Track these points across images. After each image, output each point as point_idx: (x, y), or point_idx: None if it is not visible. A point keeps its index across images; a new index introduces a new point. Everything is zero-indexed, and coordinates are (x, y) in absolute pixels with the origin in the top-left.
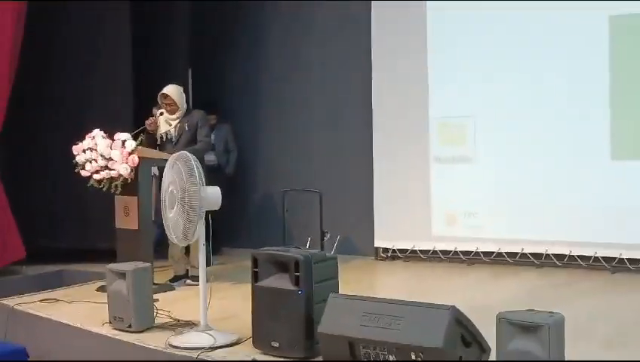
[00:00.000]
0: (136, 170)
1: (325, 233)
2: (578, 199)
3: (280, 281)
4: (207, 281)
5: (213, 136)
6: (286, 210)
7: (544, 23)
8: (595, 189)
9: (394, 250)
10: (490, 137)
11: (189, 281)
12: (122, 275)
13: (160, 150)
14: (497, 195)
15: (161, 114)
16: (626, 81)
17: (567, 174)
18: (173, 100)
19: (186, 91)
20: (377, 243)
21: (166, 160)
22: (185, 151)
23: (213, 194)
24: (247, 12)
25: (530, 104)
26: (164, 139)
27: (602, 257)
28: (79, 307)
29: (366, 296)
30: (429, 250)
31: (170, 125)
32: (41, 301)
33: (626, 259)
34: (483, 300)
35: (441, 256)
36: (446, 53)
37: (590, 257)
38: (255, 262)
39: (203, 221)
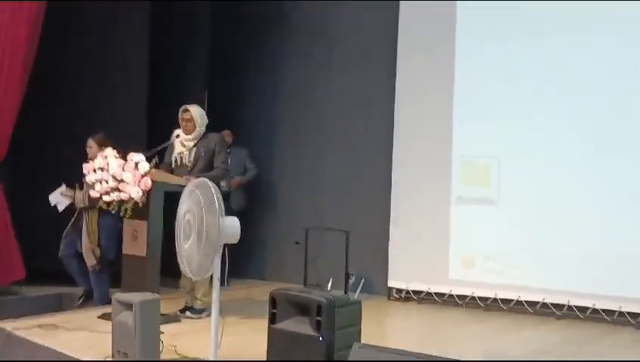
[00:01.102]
0: (148, 194)
1: (351, 275)
2: (603, 248)
3: (299, 325)
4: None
5: (230, 160)
6: (296, 242)
7: (578, 62)
8: (621, 238)
9: (408, 291)
10: (515, 180)
11: (188, 313)
12: (129, 306)
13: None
14: (519, 240)
15: (177, 136)
16: None
17: (593, 221)
18: (192, 116)
19: None
20: (391, 283)
21: (181, 185)
22: (205, 179)
23: (233, 227)
24: (266, 36)
25: (556, 147)
26: (179, 163)
27: (627, 312)
28: (79, 336)
29: (392, 347)
30: (445, 293)
31: (185, 147)
32: (39, 326)
33: None
34: (500, 353)
35: (457, 301)
36: (473, 89)
37: (615, 312)
38: (273, 303)
39: (219, 255)
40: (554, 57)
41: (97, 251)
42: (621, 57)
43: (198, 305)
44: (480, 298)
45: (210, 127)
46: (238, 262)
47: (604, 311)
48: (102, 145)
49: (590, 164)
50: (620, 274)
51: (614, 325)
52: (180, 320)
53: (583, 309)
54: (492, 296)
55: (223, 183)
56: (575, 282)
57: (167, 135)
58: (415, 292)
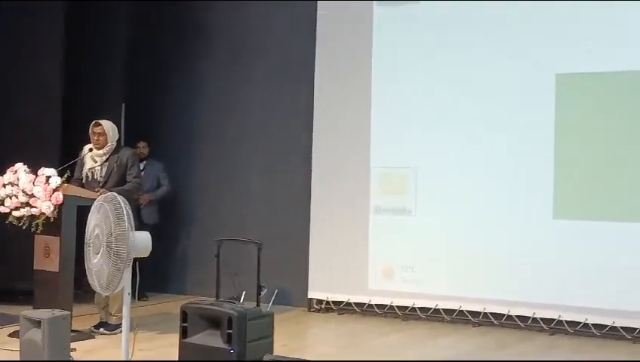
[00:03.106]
0: (60, 208)
1: (262, 287)
2: (518, 257)
3: (211, 338)
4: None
5: (143, 173)
6: (215, 255)
7: (490, 77)
8: (535, 248)
9: (328, 301)
10: (431, 190)
11: (102, 329)
12: (37, 323)
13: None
14: (436, 250)
15: (90, 150)
16: (571, 140)
17: (508, 232)
18: (103, 130)
19: (118, 126)
20: (311, 294)
21: (93, 199)
22: (114, 193)
23: (143, 240)
24: (186, 47)
25: (473, 159)
26: (90, 178)
27: (541, 318)
28: None
29: (300, 357)
30: (365, 303)
31: (96, 162)
32: None
33: (565, 321)
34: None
35: (377, 310)
36: (390, 101)
37: (529, 318)
38: (184, 316)
39: (130, 269)
40: (469, 69)
41: None
42: (532, 69)
43: (112, 320)
44: (399, 307)
45: (129, 141)
46: (158, 277)
47: (518, 317)
48: None
49: (504, 175)
50: (533, 282)
51: (529, 331)
52: (95, 337)
53: (498, 316)
54: (410, 305)
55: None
56: (490, 290)
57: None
58: (335, 302)
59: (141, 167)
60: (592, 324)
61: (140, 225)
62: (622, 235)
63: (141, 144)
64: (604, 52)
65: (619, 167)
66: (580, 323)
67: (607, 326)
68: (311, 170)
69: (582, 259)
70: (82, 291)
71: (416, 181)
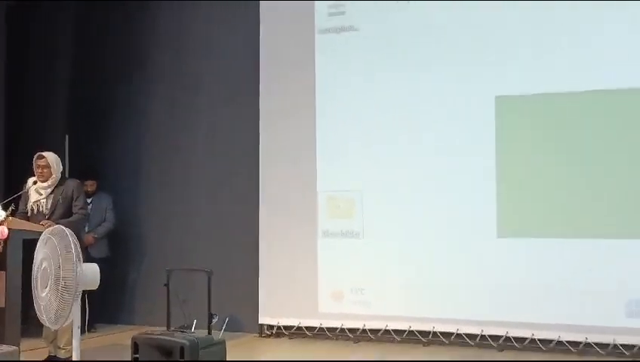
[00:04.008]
0: (5, 242)
1: (213, 315)
2: (464, 276)
3: None
4: None
5: (90, 206)
6: (164, 284)
7: (432, 100)
8: (481, 267)
9: (279, 326)
10: (377, 212)
11: None
12: None
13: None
14: (385, 271)
15: (35, 183)
16: (511, 160)
17: (454, 251)
18: (47, 162)
19: (62, 158)
20: (262, 320)
21: (39, 232)
22: (61, 226)
23: (91, 273)
24: (129, 80)
25: (417, 181)
26: (35, 211)
27: (489, 335)
28: None
29: None
30: (315, 327)
31: (41, 195)
32: None
33: (513, 337)
34: None
35: (327, 334)
36: (335, 126)
37: (477, 335)
38: (136, 347)
39: (79, 302)
40: (411, 93)
41: None
42: (473, 91)
43: (61, 354)
44: (349, 329)
45: (73, 173)
46: (108, 308)
47: (467, 335)
48: None
49: (448, 196)
50: (481, 300)
51: (478, 349)
52: None
53: (447, 335)
54: (360, 326)
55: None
56: (439, 309)
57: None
58: (286, 327)
59: (89, 201)
60: (539, 339)
61: (89, 260)
62: (565, 252)
63: (89, 182)
64: (542, 74)
65: (560, 186)
66: (527, 338)
67: (554, 340)
68: (258, 196)
69: (527, 276)
70: (30, 325)
71: (363, 204)
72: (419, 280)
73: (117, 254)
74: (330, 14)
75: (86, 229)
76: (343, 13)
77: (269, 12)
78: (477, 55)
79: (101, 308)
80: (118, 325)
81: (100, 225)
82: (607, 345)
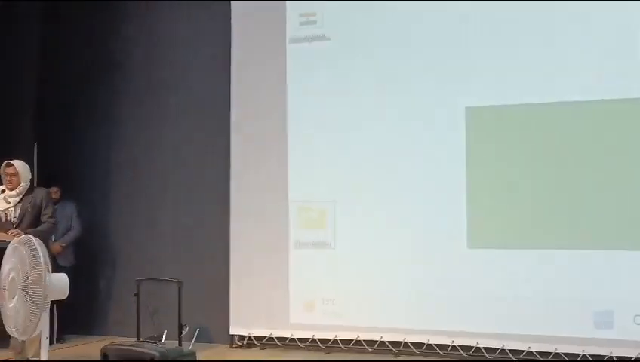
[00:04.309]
0: None
1: (184, 326)
2: (435, 287)
3: None
4: None
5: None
6: (134, 294)
7: (403, 111)
8: (451, 278)
9: (250, 337)
10: (349, 223)
11: None
12: None
13: None
14: (356, 282)
15: (2, 191)
16: (481, 171)
17: (425, 262)
18: (16, 170)
19: (31, 167)
20: (233, 331)
21: (7, 241)
22: (29, 235)
23: (60, 283)
24: (97, 85)
25: (388, 191)
26: (3, 220)
27: (460, 346)
28: None
29: None
30: (287, 338)
31: (9, 203)
32: None
33: (483, 348)
34: None
35: (299, 344)
36: (307, 136)
37: (447, 346)
38: (105, 358)
39: (47, 312)
40: (381, 103)
41: None
42: (443, 103)
43: None
44: (321, 340)
45: (42, 181)
46: (77, 319)
47: (438, 346)
48: None
49: (419, 207)
50: (452, 311)
51: (449, 358)
52: None
53: (418, 345)
54: (332, 337)
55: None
56: (410, 320)
57: None
58: (257, 337)
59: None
60: (509, 350)
61: (57, 269)
62: (535, 263)
63: (53, 189)
64: (513, 85)
65: (530, 197)
66: (497, 349)
67: (524, 351)
68: (229, 205)
69: (497, 287)
70: None
71: (335, 214)
72: (390, 290)
73: (84, 263)
74: (302, 23)
75: (52, 238)
76: (314, 22)
77: (241, 20)
78: (447, 66)
79: (69, 318)
80: (87, 336)
81: (66, 233)
82: (577, 355)
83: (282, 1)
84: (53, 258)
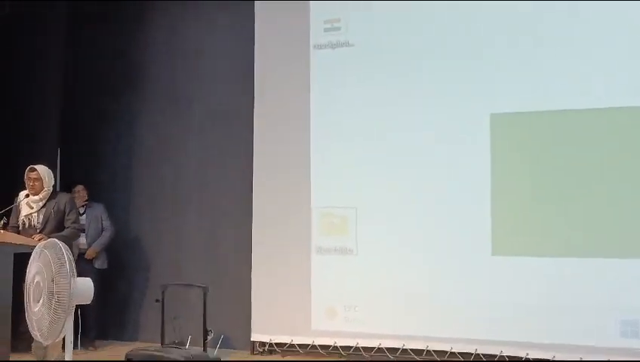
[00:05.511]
0: None
1: (209, 331)
2: (459, 294)
3: None
4: None
5: (84, 216)
6: (156, 300)
7: (427, 117)
8: (475, 285)
9: (271, 343)
10: (371, 229)
11: None
12: None
13: None
14: (379, 289)
15: (26, 196)
16: (506, 178)
17: (449, 269)
18: (39, 175)
19: (54, 172)
20: (254, 337)
21: (31, 246)
22: (55, 239)
23: (85, 287)
24: (122, 94)
25: (412, 197)
26: (27, 225)
27: (483, 354)
28: None
29: None
30: (308, 344)
31: (33, 208)
32: None
33: (507, 356)
34: None
35: (320, 351)
36: (329, 142)
37: (471, 354)
38: None
39: (72, 317)
40: (406, 110)
41: None
42: (467, 109)
43: None
44: (342, 347)
45: (65, 186)
46: (101, 323)
47: (461, 354)
48: None
49: (443, 213)
50: (475, 319)
51: None
52: None
53: (441, 353)
54: (354, 344)
55: (83, 240)
56: (433, 328)
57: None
58: (278, 344)
59: (81, 211)
60: (533, 359)
61: (91, 272)
62: (560, 270)
63: (78, 187)
64: (538, 92)
65: (556, 204)
66: (521, 358)
67: (548, 360)
68: (252, 211)
69: (521, 295)
70: (19, 340)
71: (357, 220)
72: (412, 297)
73: (112, 267)
74: (326, 30)
75: (84, 240)
76: (338, 28)
77: (264, 27)
78: (472, 72)
79: (94, 323)
80: (111, 341)
81: (97, 234)
82: None
83: (306, 8)
84: (90, 261)
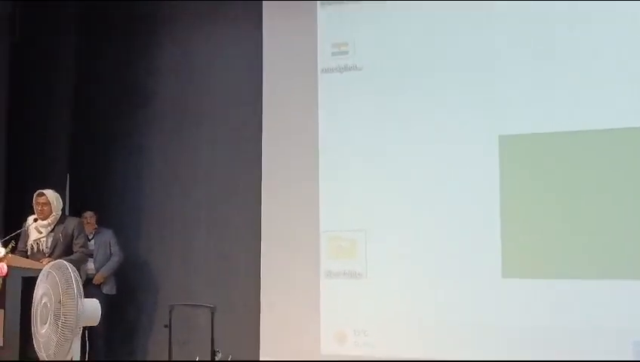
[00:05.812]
0: (4, 279)
1: (217, 352)
2: (469, 317)
3: None
4: None
5: (93, 242)
6: (165, 325)
7: (434, 138)
8: (485, 308)
9: None
10: (380, 252)
11: None
12: None
13: None
14: (389, 313)
15: (35, 221)
16: (516, 200)
17: (459, 292)
18: (47, 200)
19: (63, 197)
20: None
21: (39, 270)
22: (62, 261)
23: (92, 309)
24: (130, 112)
25: (421, 220)
26: (35, 250)
27: None
28: None
29: None
30: None
31: (41, 233)
32: None
33: None
34: None
35: None
36: (338, 165)
37: None
38: None
39: (79, 338)
40: (414, 132)
41: None
42: (476, 131)
43: None
44: None
45: (74, 211)
46: (112, 349)
47: None
48: None
49: (452, 235)
50: (486, 342)
51: None
52: None
53: None
54: None
55: (91, 266)
56: (443, 351)
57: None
58: None
59: (90, 237)
60: None
61: (100, 297)
62: (571, 292)
63: (87, 214)
64: (547, 113)
65: (566, 225)
66: None
67: None
68: (260, 236)
69: (532, 317)
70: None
71: (366, 244)
72: (423, 321)
73: (120, 290)
74: (333, 54)
75: (92, 265)
76: (346, 52)
77: (272, 51)
78: (480, 95)
79: (101, 345)
80: None
81: (105, 260)
82: None
83: (314, 32)
84: (99, 286)
